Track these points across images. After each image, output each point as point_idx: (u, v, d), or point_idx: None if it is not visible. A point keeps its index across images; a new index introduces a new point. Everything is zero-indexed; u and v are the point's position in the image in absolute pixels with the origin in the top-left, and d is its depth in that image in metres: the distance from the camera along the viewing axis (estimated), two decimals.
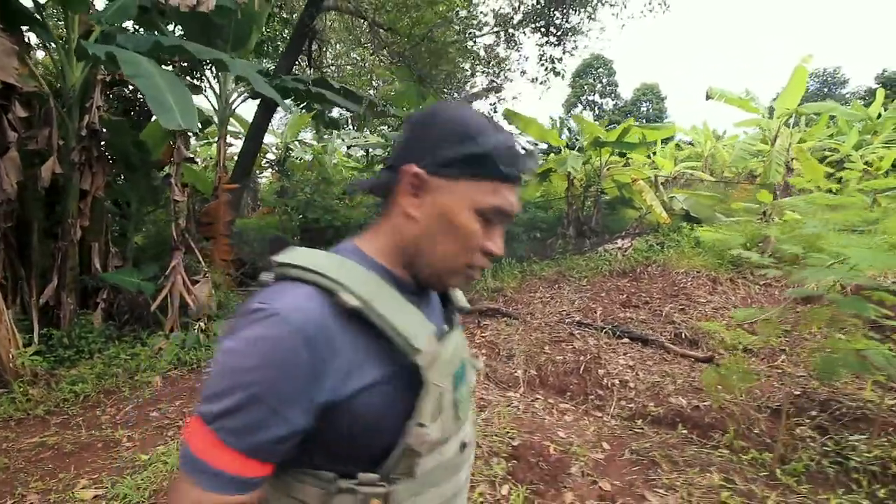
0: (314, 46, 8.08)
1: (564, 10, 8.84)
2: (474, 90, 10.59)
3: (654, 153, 20.21)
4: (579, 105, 36.41)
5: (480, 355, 4.26)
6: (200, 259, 4.75)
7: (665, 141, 16.53)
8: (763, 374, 3.75)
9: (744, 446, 2.80)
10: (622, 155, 8.40)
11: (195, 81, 6.17)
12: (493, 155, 0.62)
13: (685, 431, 3.07)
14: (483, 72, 9.64)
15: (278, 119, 13.11)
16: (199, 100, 5.56)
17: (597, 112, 35.86)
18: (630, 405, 3.43)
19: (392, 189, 0.67)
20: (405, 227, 0.66)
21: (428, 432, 0.62)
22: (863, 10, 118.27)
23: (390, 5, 5.97)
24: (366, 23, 6.30)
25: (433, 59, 6.49)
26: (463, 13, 8.06)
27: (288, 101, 6.88)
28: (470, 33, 8.59)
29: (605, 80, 36.48)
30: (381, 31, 6.29)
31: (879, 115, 15.42)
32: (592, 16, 8.84)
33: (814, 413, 3.02)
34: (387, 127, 9.18)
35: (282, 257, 0.63)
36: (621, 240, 7.21)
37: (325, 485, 0.62)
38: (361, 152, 11.32)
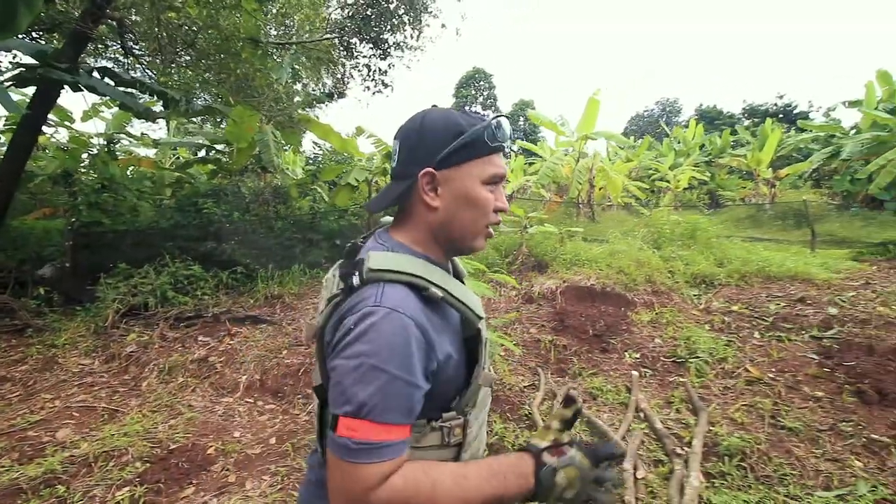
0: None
1: (393, 25, 9.24)
2: (311, 97, 10.61)
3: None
4: None
5: (218, 364, 4.35)
6: None
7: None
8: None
9: None
10: None
11: None
12: (481, 137, 0.80)
13: None
14: (312, 78, 9.68)
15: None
16: None
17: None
18: None
19: (409, 193, 0.83)
20: (431, 217, 0.83)
21: (489, 372, 0.84)
22: (728, 47, 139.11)
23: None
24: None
25: (236, 68, 6.35)
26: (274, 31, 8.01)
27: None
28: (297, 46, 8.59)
29: (486, 93, 38.45)
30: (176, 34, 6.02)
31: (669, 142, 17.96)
32: (416, 33, 9.30)
33: None
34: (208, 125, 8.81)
35: (372, 265, 0.75)
36: None
37: (419, 429, 0.77)
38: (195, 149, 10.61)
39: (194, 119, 9.85)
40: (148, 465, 2.82)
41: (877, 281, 5.42)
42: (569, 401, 0.84)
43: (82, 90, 6.59)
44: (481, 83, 37.97)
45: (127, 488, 2.59)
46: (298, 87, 11.78)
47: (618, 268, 5.62)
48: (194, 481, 2.69)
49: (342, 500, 0.68)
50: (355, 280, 0.75)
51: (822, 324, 4.27)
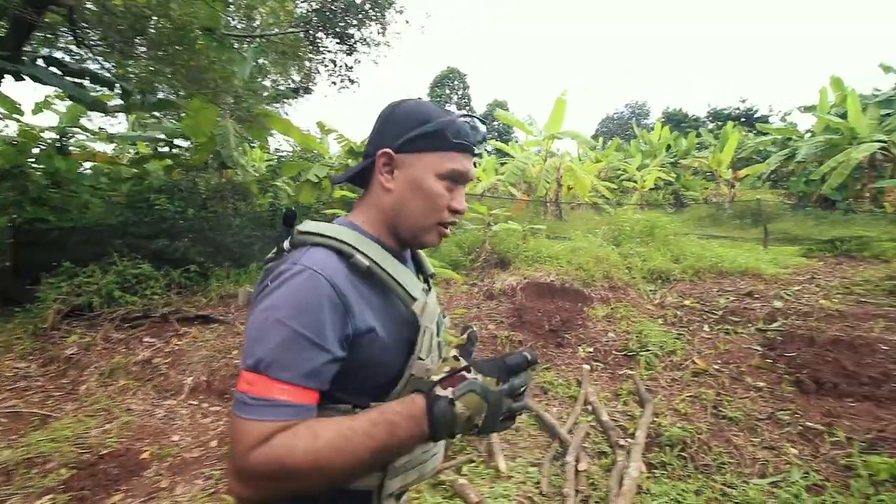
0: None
1: (359, 20, 9.12)
2: (279, 92, 10.39)
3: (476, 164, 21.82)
4: None
5: (163, 365, 4.18)
6: None
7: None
8: None
9: None
10: None
11: None
12: (445, 130, 0.78)
13: None
14: (278, 72, 9.48)
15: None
16: None
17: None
18: None
19: (369, 173, 0.83)
20: (384, 199, 0.81)
21: (426, 363, 0.77)
22: (695, 51, 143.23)
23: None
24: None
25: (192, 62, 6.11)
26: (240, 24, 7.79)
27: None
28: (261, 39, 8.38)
29: (460, 93, 38.54)
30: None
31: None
32: (381, 28, 9.22)
33: None
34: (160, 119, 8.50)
35: (301, 227, 0.76)
36: None
37: (344, 414, 0.71)
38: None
39: (157, 113, 9.51)
40: (74, 471, 2.67)
41: (821, 276, 5.65)
42: (465, 329, 0.79)
43: (24, 79, 6.27)
44: (455, 83, 38.03)
45: (49, 496, 2.45)
46: (268, 82, 11.55)
47: (577, 264, 5.68)
48: (123, 487, 2.56)
49: (231, 460, 0.64)
50: (286, 244, 0.76)
51: (768, 317, 4.40)
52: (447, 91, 37.71)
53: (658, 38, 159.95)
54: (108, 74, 7.19)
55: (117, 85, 7.03)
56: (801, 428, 2.94)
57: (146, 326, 4.77)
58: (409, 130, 0.78)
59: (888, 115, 13.36)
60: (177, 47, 6.04)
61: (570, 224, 10.15)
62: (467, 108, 38.83)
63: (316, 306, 0.67)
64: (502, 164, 19.63)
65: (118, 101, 8.01)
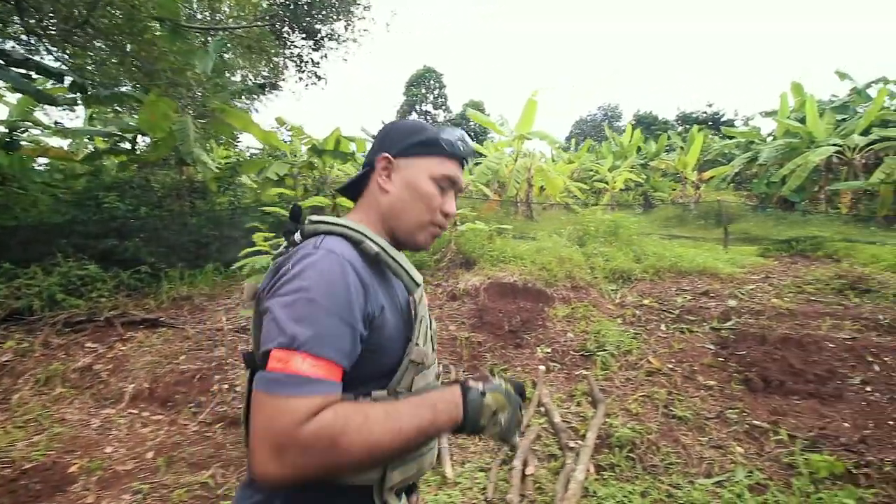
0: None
1: (324, 15, 8.94)
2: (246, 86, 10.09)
3: None
4: (413, 114, 37.65)
5: (104, 372, 3.97)
6: None
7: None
8: None
9: None
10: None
11: None
12: (439, 139, 0.86)
13: None
14: (244, 67, 9.22)
15: None
16: None
17: (430, 123, 37.55)
18: (224, 409, 3.49)
19: (368, 178, 0.89)
20: (382, 200, 0.86)
21: (423, 349, 0.81)
22: (663, 55, 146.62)
23: None
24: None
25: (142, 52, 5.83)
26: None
27: None
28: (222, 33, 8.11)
29: (436, 92, 38.43)
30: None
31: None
32: (349, 24, 9.07)
33: None
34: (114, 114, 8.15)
35: (314, 218, 0.81)
36: None
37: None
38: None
39: (120, 108, 9.11)
40: None
41: (775, 275, 5.80)
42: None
43: None
44: (431, 82, 37.89)
45: None
46: (237, 77, 11.19)
47: (541, 264, 5.68)
48: (45, 502, 2.39)
49: (269, 438, 0.61)
50: (297, 236, 0.80)
51: (722, 315, 4.48)
52: (423, 90, 37.54)
53: (641, 38, 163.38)
54: (57, 65, 6.84)
55: (63, 76, 6.69)
56: (747, 426, 2.98)
57: (89, 331, 4.53)
58: (407, 138, 0.87)
59: (843, 119, 13.91)
60: (125, 35, 5.76)
61: (541, 224, 10.20)
62: (443, 108, 38.75)
63: (343, 286, 0.70)
64: (476, 164, 19.65)
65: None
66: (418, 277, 0.85)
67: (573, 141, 25.08)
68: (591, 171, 19.08)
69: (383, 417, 0.67)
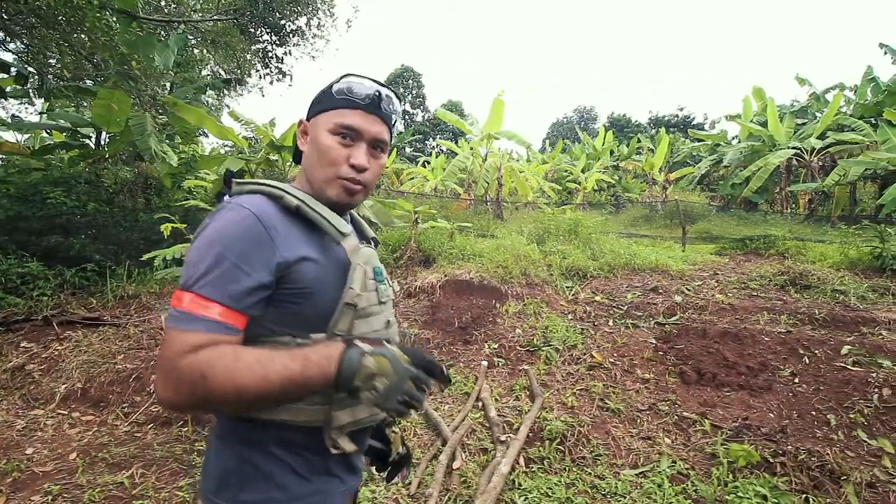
0: None
1: (290, 10, 8.81)
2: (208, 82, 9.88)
3: (428, 163, 21.77)
4: None
5: (37, 372, 3.83)
6: None
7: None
8: None
9: None
10: None
11: None
12: (329, 91, 0.89)
13: (186, 430, 3.16)
14: (207, 62, 9.03)
15: None
16: None
17: (407, 122, 37.44)
18: (158, 409, 3.40)
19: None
20: (304, 162, 0.93)
21: (358, 292, 0.82)
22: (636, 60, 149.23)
23: None
24: None
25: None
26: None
27: None
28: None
29: (414, 92, 38.36)
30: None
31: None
32: (311, 20, 8.96)
33: None
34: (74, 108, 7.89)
35: (239, 181, 0.88)
36: None
37: (286, 346, 0.78)
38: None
39: (70, 100, 8.80)
40: None
41: (723, 272, 5.95)
42: (403, 335, 0.85)
43: None
44: (410, 82, 37.83)
45: None
46: (206, 72, 10.94)
47: (499, 262, 5.71)
48: None
49: (159, 365, 0.70)
50: (226, 198, 0.85)
51: (668, 311, 4.57)
52: (401, 90, 37.41)
53: (628, 40, 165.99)
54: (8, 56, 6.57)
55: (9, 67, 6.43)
56: (676, 418, 3.04)
57: (26, 330, 4.36)
58: (316, 100, 0.91)
59: (803, 123, 14.39)
60: (69, 23, 5.54)
61: (508, 223, 10.26)
62: (422, 107, 38.71)
63: (241, 235, 0.74)
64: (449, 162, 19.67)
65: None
66: (345, 228, 0.86)
67: (546, 142, 25.33)
68: (565, 171, 19.33)
69: (253, 362, 0.70)
